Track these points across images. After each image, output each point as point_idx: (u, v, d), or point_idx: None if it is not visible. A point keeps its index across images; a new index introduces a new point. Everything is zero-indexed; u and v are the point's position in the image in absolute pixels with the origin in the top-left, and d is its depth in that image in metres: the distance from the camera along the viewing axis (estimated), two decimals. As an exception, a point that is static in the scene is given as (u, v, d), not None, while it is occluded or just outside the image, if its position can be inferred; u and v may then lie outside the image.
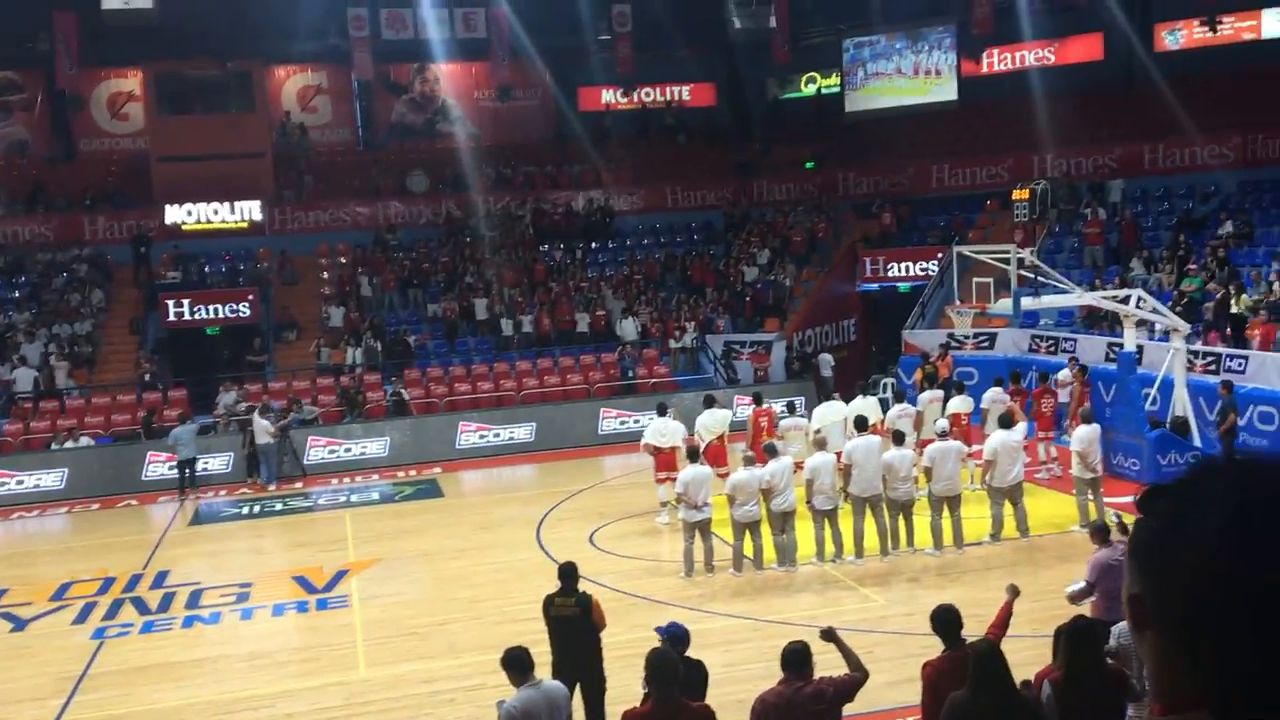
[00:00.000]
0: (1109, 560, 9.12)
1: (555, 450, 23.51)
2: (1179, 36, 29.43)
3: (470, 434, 24.09)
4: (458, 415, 24.38)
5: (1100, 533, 9.52)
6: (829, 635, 7.33)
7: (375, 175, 32.06)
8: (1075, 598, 9.16)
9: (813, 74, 35.17)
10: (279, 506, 20.61)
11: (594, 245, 31.16)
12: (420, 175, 31.99)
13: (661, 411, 17.68)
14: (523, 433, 24.27)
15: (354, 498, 20.94)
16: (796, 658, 6.76)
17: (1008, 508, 14.63)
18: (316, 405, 24.25)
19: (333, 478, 22.52)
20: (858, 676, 7.00)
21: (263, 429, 21.69)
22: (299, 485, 22.03)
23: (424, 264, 29.38)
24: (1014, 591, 8.40)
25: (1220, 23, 28.60)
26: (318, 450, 23.16)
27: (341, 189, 31.33)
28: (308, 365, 26.08)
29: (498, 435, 24.20)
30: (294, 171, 31.54)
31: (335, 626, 13.38)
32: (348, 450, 23.46)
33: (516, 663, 7.29)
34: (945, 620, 7.34)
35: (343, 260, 29.42)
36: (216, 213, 29.32)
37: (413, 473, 22.65)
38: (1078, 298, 18.79)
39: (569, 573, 9.47)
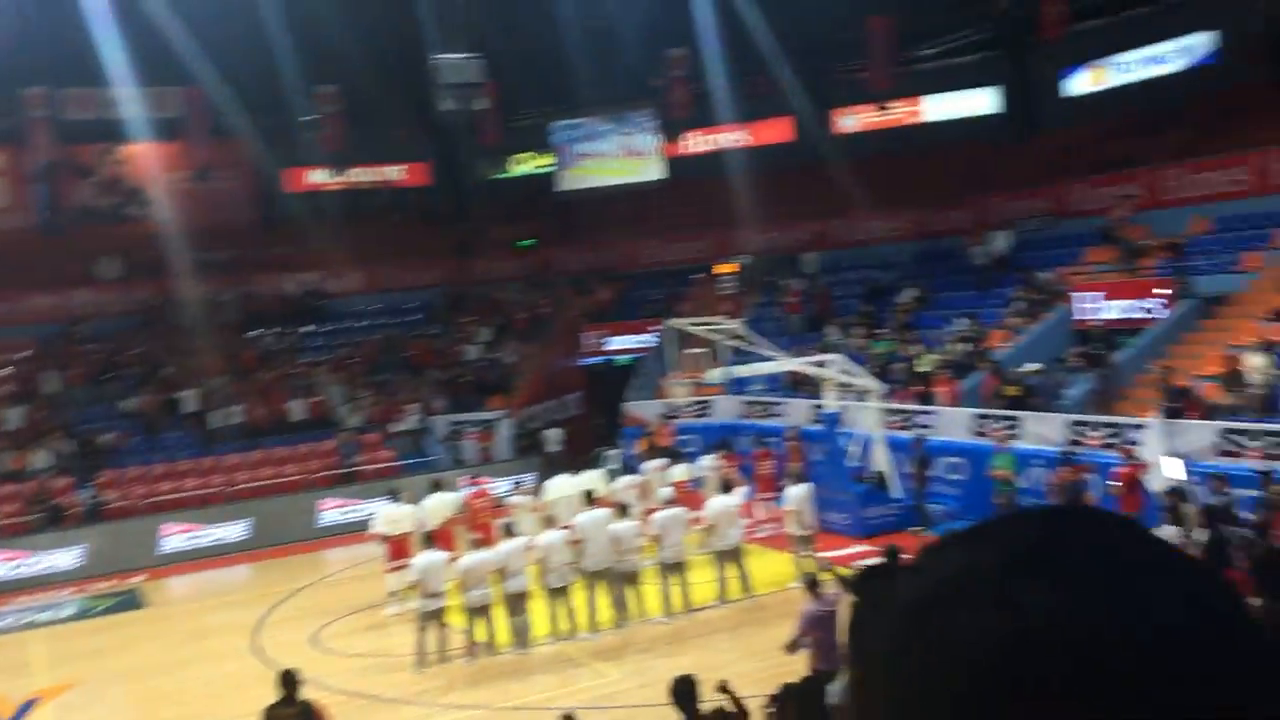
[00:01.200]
0: (817, 612, 9.55)
1: (272, 547, 22.27)
2: (854, 120, 32.07)
3: (176, 536, 22.45)
4: (160, 517, 22.67)
5: (811, 585, 9.94)
6: None
7: (60, 262, 29.67)
8: (790, 648, 9.58)
9: (524, 154, 35.76)
10: (-49, 634, 18.36)
11: (308, 329, 30.09)
12: (111, 261, 29.91)
13: (393, 496, 17.17)
14: (235, 531, 22.86)
15: (43, 616, 18.96)
16: None
17: (732, 569, 15.09)
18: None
19: (18, 595, 20.32)
20: None
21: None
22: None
23: (117, 356, 27.35)
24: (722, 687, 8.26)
25: (888, 107, 31.42)
26: (-2, 566, 20.90)
27: (20, 278, 28.79)
28: (-16, 472, 23.53)
29: (207, 535, 22.68)
30: (-37, 260, 28.73)
31: (22, 765, 11.97)
32: (35, 563, 21.29)
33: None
34: (683, 692, 7.42)
35: (25, 356, 26.92)
36: None
37: (112, 583, 20.81)
38: (780, 365, 19.88)
39: (289, 679, 8.93)
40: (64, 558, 21.49)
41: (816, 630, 9.54)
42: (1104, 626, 0.61)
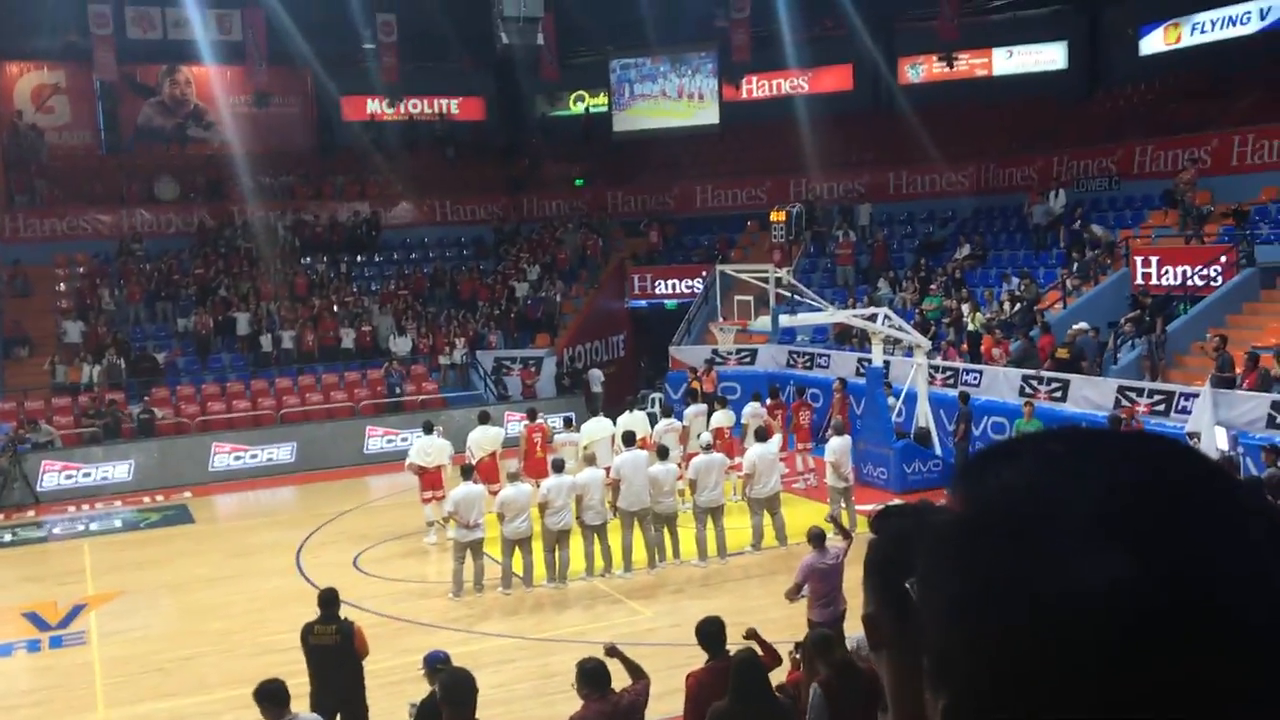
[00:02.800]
0: (818, 563, 9.78)
1: (317, 471, 22.66)
2: (920, 70, 31.48)
3: (224, 455, 22.91)
4: (210, 436, 23.14)
5: (816, 539, 10.09)
6: (612, 651, 7.36)
7: (120, 181, 30.08)
8: (790, 595, 9.86)
9: (581, 92, 35.55)
10: (7, 538, 18.96)
11: (360, 259, 30.34)
12: (170, 182, 30.25)
13: (427, 430, 17.39)
14: (282, 453, 23.29)
15: (94, 526, 19.51)
16: (600, 675, 6.73)
17: (767, 518, 15.16)
18: (52, 426, 22.47)
19: (70, 505, 20.90)
20: (647, 682, 7.08)
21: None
22: (30, 514, 20.34)
23: (174, 275, 27.76)
24: (751, 634, 8.33)
25: (956, 59, 30.78)
26: (52, 476, 21.45)
27: (81, 195, 29.22)
28: (41, 384, 24.10)
29: (255, 456, 23.12)
30: (26, 176, 29.20)
31: (71, 666, 12.41)
32: (87, 475, 21.84)
33: (271, 696, 6.97)
34: (710, 633, 7.51)
35: (82, 271, 27.43)
36: (-64, 217, 26.77)
37: (160, 498, 21.32)
38: (830, 315, 19.74)
39: (329, 599, 9.14)
40: (116, 470, 22.02)
41: (815, 581, 9.84)
42: (1231, 576, 0.60)
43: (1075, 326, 19.43)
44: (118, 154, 31.80)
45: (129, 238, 28.49)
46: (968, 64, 30.91)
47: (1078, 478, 0.65)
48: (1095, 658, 0.59)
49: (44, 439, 21.84)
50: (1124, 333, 19.41)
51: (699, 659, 7.56)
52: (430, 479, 16.49)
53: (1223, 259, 19.68)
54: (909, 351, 19.45)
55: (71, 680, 11.91)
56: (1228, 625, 0.59)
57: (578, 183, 33.28)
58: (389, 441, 23.63)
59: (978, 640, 0.63)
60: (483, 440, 17.06)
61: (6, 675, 12.46)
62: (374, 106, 34.11)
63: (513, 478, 14.26)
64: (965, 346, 21.26)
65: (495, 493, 14.54)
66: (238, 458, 22.97)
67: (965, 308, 22.39)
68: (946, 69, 31.01)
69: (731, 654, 7.04)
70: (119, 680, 11.75)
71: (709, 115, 32.83)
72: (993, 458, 0.70)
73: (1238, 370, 16.15)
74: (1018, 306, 21.75)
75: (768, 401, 19.18)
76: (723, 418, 18.14)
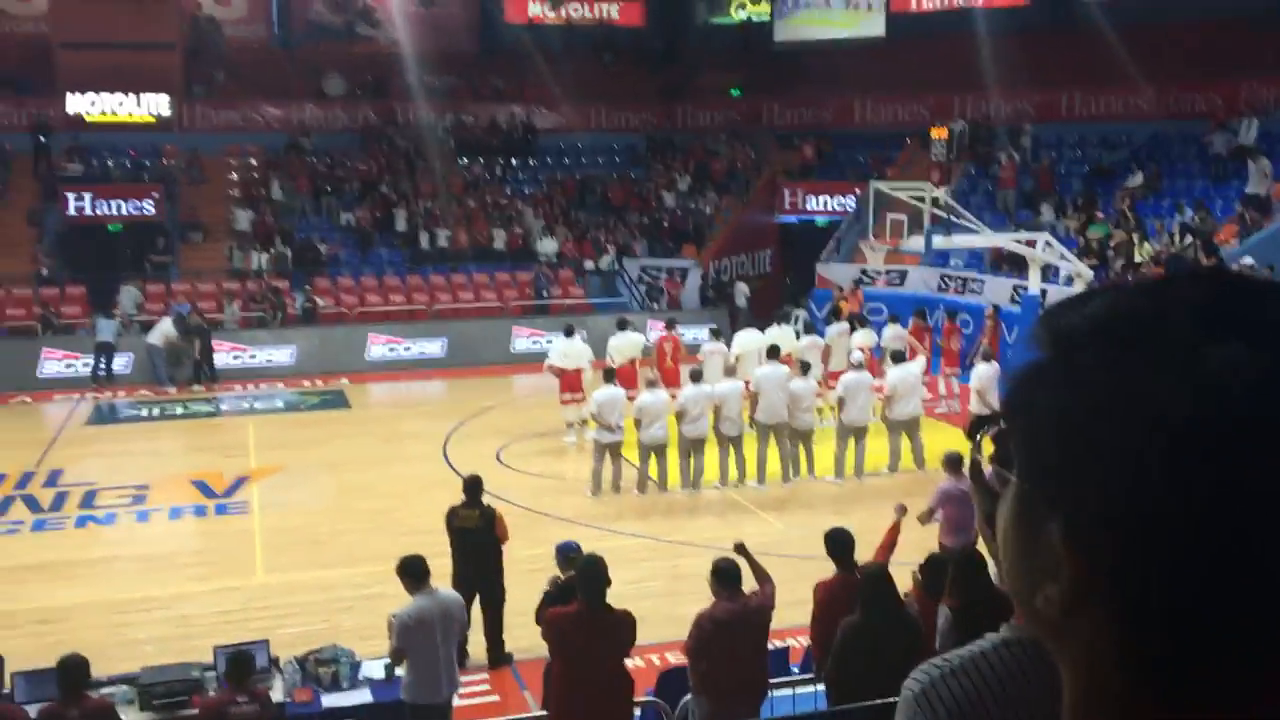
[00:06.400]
0: (953, 490, 9.64)
1: (466, 366, 23.38)
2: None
3: (380, 346, 23.82)
4: (367, 326, 24.06)
5: (952, 464, 9.93)
6: (741, 549, 7.51)
7: (290, 76, 31.03)
8: (923, 518, 9.79)
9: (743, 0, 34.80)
10: (179, 410, 20.22)
11: (514, 162, 30.72)
12: (337, 79, 31.07)
13: (568, 333, 17.64)
14: (434, 347, 24.07)
15: (258, 405, 20.62)
16: (732, 575, 6.89)
17: (905, 440, 15.01)
18: (236, 308, 23.78)
19: (236, 384, 22.12)
20: (773, 587, 7.22)
21: (160, 333, 21.33)
22: (200, 389, 21.61)
23: (338, 171, 28.68)
24: (901, 511, 8.72)
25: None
26: (221, 356, 22.69)
27: (254, 88, 30.28)
28: (213, 268, 25.41)
29: (408, 349, 23.97)
30: (204, 67, 30.39)
31: (233, 532, 13.27)
32: (253, 357, 23.04)
33: (412, 571, 7.34)
34: (839, 543, 7.55)
35: (253, 162, 28.57)
36: (122, 105, 28.14)
37: (319, 383, 22.36)
38: (987, 239, 19.15)
39: (474, 485, 9.51)
40: (279, 354, 23.15)
41: (950, 507, 9.77)
42: None
43: (1242, 261, 18.39)
44: (289, 48, 32.75)
45: (298, 132, 29.47)
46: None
47: (1161, 296, 0.67)
48: (1227, 441, 0.60)
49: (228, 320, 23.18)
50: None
51: (827, 571, 7.63)
52: (569, 381, 16.81)
53: None
54: (1070, 281, 18.75)
55: (234, 545, 12.75)
56: None
57: (734, 93, 32.80)
58: (534, 342, 24.15)
59: (1107, 447, 0.64)
60: (623, 346, 17.28)
61: (176, 535, 13.43)
62: (535, 9, 34.11)
63: (651, 384, 14.45)
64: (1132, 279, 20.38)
65: (634, 399, 14.77)
66: (392, 349, 23.85)
67: (1135, 236, 21.40)
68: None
69: (860, 566, 7.08)
70: (276, 548, 12.52)
71: (875, 26, 31.74)
72: (1066, 304, 0.72)
73: None
74: (1189, 239, 20.68)
75: (912, 323, 18.82)
76: (863, 337, 17.92)
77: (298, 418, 19.69)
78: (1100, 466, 0.64)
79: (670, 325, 18.48)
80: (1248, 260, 18.31)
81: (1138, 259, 20.67)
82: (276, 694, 7.64)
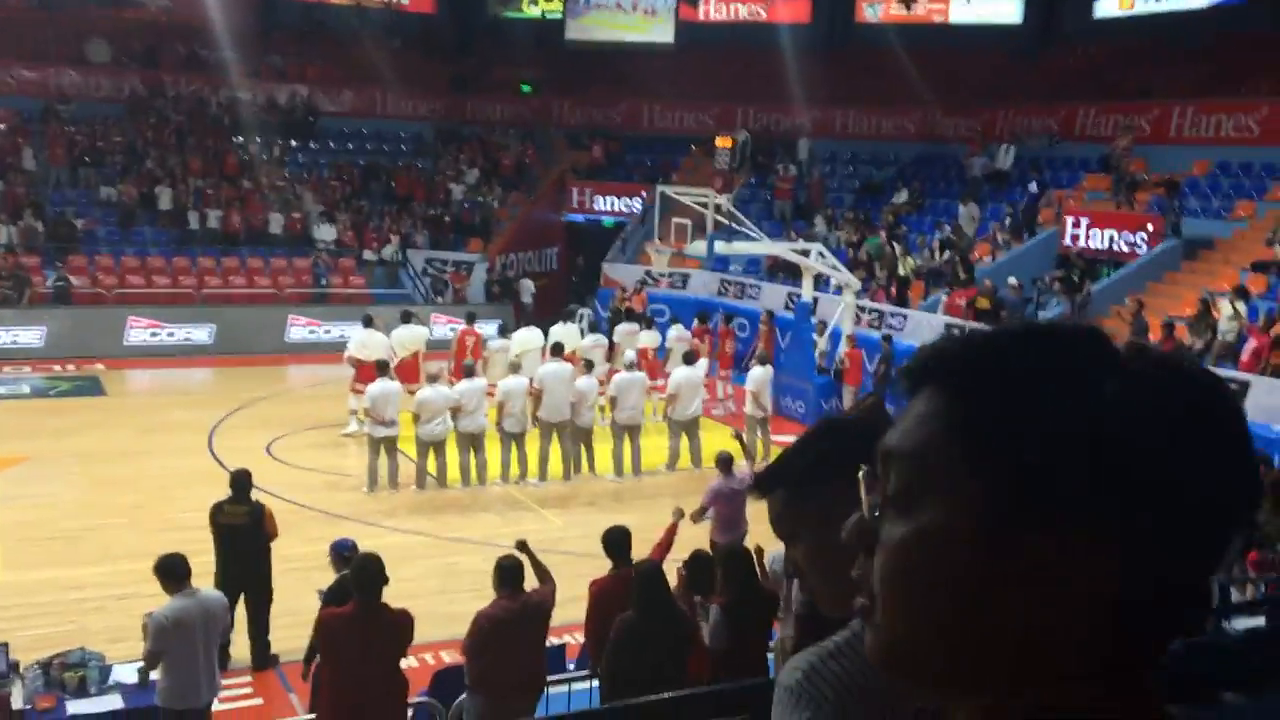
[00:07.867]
0: (725, 488, 10.07)
1: (236, 355, 22.34)
2: (878, 10, 31.34)
3: (141, 330, 22.47)
4: (127, 309, 22.64)
5: (724, 463, 10.36)
6: (523, 547, 7.50)
7: (49, 38, 28.82)
8: (695, 517, 10.07)
9: (536, -4, 34.73)
10: (-92, 395, 18.47)
11: (294, 144, 29.60)
12: (102, 44, 29.08)
13: (366, 323, 17.14)
14: (201, 334, 22.91)
15: (1, 390, 19.07)
16: (515, 574, 6.86)
17: (684, 440, 15.38)
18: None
19: (-24, 367, 20.41)
20: (554, 586, 7.25)
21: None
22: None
23: (99, 142, 26.86)
24: (679, 514, 8.97)
25: (915, 2, 30.67)
26: (-41, 335, 20.88)
27: (7, 49, 27.97)
28: (-48, 240, 23.31)
29: (171, 335, 22.71)
30: (-52, 20, 27.85)
31: (-30, 527, 12.22)
32: (-4, 337, 21.31)
33: (171, 570, 6.99)
34: (615, 541, 7.67)
35: (3, 128, 26.38)
36: None
37: (71, 368, 20.90)
38: (765, 246, 19.86)
39: (241, 479, 9.14)
40: (26, 335, 21.50)
41: (721, 504, 10.16)
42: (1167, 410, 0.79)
43: (1010, 282, 19.79)
44: (49, 9, 30.40)
45: (55, 98, 27.43)
46: (925, 8, 30.83)
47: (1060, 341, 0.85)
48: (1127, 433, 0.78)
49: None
50: (1049, 289, 19.82)
51: (604, 568, 7.73)
52: (366, 373, 16.28)
53: (1149, 227, 20.14)
54: (838, 290, 19.67)
55: (-31, 541, 11.76)
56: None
57: (525, 89, 32.72)
58: (311, 332, 23.36)
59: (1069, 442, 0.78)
60: (405, 339, 16.97)
61: (-99, 532, 12.25)
62: (322, -13, 33.00)
63: (431, 379, 14.27)
64: (894, 290, 21.56)
65: (413, 392, 14.51)
66: (154, 334, 22.54)
67: (899, 250, 22.67)
68: (904, 11, 30.90)
69: (635, 564, 7.20)
70: (20, 543, 11.63)
71: (664, 33, 32.37)
72: (967, 343, 0.86)
73: (1152, 338, 16.64)
74: (947, 254, 22.08)
75: (694, 326, 19.30)
76: (648, 338, 18.27)
77: (47, 404, 18.34)
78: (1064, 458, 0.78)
79: (471, 319, 18.30)
80: (1013, 280, 19.68)
81: (901, 272, 21.90)
82: (16, 701, 7.19)
